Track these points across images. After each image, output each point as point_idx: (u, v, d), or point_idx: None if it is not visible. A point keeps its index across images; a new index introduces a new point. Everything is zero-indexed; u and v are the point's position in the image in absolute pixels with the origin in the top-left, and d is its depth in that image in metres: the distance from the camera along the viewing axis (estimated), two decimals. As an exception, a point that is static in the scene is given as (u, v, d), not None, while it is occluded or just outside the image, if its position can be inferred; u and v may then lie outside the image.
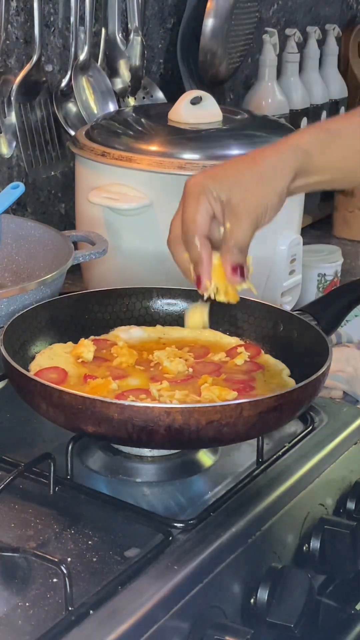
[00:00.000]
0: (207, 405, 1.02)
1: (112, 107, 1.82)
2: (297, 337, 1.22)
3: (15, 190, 1.47)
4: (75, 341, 1.22)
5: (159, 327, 1.28)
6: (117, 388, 1.12)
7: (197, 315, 1.19)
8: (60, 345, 1.22)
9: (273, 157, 1.13)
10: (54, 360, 1.18)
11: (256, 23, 2.14)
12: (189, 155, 1.50)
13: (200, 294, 1.13)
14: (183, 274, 1.14)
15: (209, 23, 1.99)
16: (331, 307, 1.27)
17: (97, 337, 1.25)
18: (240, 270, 1.11)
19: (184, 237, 1.11)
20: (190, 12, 2.05)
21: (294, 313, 1.24)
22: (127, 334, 1.26)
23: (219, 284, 1.12)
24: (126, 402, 1.01)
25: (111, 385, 1.11)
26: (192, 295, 1.29)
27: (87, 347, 1.20)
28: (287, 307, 1.55)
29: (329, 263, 1.75)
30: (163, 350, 1.21)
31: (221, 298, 1.13)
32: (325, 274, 1.74)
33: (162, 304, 1.30)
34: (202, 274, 1.11)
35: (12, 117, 1.68)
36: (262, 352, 1.24)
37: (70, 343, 1.23)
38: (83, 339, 1.23)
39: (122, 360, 1.19)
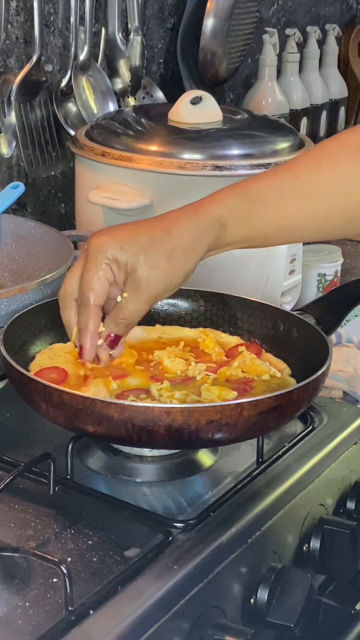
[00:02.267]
0: (207, 405, 1.02)
1: (112, 107, 1.82)
2: (297, 337, 1.22)
3: (15, 190, 1.47)
4: (75, 341, 1.22)
5: (158, 326, 1.28)
6: (117, 388, 1.12)
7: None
8: (60, 345, 1.22)
9: (188, 231, 1.05)
10: (54, 360, 1.18)
11: (256, 23, 2.14)
12: (189, 155, 1.51)
13: (80, 362, 1.11)
14: (66, 329, 1.11)
15: (209, 23, 1.99)
16: (331, 307, 1.27)
17: (97, 337, 1.25)
18: (114, 340, 1.08)
19: (79, 302, 1.07)
20: (190, 12, 2.05)
21: (294, 313, 1.24)
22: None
23: None
24: (126, 402, 1.01)
25: (111, 385, 1.11)
26: (191, 295, 1.29)
27: (87, 347, 1.20)
28: (287, 307, 1.55)
29: (329, 263, 1.75)
30: (164, 350, 1.21)
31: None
32: (325, 274, 1.74)
33: (162, 304, 1.30)
34: (84, 345, 1.08)
35: (12, 117, 1.68)
36: (263, 351, 1.24)
37: (70, 343, 1.23)
38: (83, 339, 1.22)
39: (122, 360, 1.19)
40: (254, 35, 2.15)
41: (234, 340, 1.26)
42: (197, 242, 1.06)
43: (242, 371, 1.17)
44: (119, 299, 1.07)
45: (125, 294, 1.06)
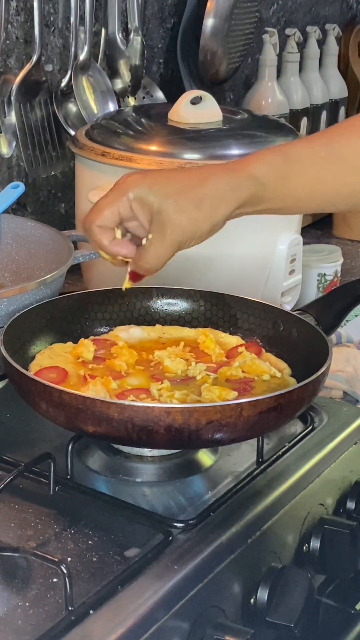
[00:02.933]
0: (207, 405, 1.02)
1: (112, 107, 1.82)
2: (297, 337, 1.22)
3: (15, 190, 1.47)
4: (75, 341, 1.22)
5: (158, 326, 1.28)
6: (117, 388, 1.12)
7: None
8: (60, 345, 1.22)
9: (222, 183, 1.06)
10: (54, 360, 1.18)
11: (256, 23, 2.14)
12: (189, 155, 1.50)
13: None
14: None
15: (209, 23, 1.99)
16: (331, 307, 1.27)
17: (97, 337, 1.25)
18: (139, 275, 1.11)
19: (83, 224, 1.08)
20: (190, 12, 2.05)
21: (294, 313, 1.24)
22: (127, 333, 1.26)
23: None
24: (126, 402, 1.01)
25: (111, 385, 1.11)
26: (192, 295, 1.29)
27: (87, 347, 1.20)
28: (287, 307, 1.55)
29: (329, 263, 1.75)
30: (164, 350, 1.21)
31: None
32: (325, 274, 1.74)
33: (162, 304, 1.30)
34: (122, 253, 1.09)
35: (12, 117, 1.68)
36: (263, 351, 1.24)
37: (70, 343, 1.23)
38: (83, 339, 1.23)
39: (122, 360, 1.19)
40: (254, 35, 2.15)
41: (234, 340, 1.26)
42: (229, 196, 1.06)
43: (242, 371, 1.17)
44: (144, 241, 1.08)
45: (150, 236, 1.06)
